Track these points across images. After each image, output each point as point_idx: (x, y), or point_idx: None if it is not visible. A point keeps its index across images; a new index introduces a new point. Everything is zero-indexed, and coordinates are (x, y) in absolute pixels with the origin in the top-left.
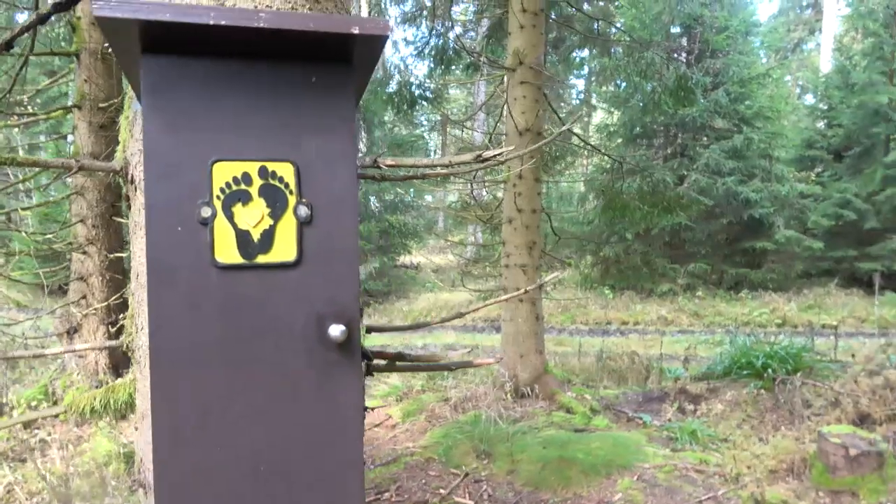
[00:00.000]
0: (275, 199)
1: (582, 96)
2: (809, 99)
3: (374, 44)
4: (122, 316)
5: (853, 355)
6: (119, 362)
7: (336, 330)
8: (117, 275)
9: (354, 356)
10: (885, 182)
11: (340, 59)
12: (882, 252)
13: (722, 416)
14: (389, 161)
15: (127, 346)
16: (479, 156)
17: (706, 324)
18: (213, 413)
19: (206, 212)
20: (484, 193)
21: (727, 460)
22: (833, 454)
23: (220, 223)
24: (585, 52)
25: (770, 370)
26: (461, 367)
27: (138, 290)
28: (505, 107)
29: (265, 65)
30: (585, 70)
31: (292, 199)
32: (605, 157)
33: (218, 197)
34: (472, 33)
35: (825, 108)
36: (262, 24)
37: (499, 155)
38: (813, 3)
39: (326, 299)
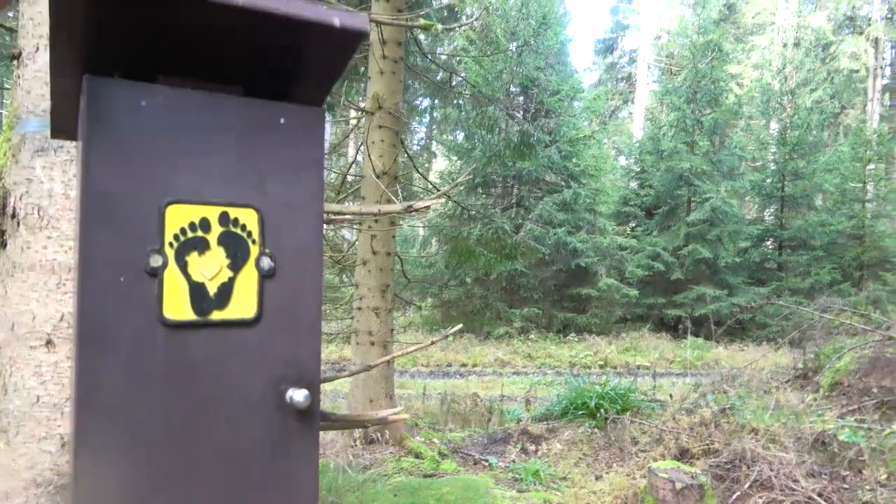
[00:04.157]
0: (235, 249)
1: (423, 142)
2: (623, 161)
3: (351, 43)
4: None
5: (671, 395)
6: None
7: (300, 395)
8: None
9: (314, 423)
10: (687, 238)
11: (312, 60)
12: (685, 300)
13: (561, 456)
14: (334, 207)
15: None
16: (410, 206)
17: (538, 365)
18: None
19: (155, 261)
20: (345, 234)
21: (568, 498)
22: (662, 488)
23: (172, 274)
24: (427, 102)
25: (602, 410)
26: (377, 424)
27: (10, 345)
28: (362, 149)
29: (233, 98)
30: (427, 118)
31: (255, 250)
32: (448, 204)
33: (171, 244)
34: None
35: (638, 169)
36: (239, 2)
37: (426, 208)
38: (627, 77)
39: (287, 360)
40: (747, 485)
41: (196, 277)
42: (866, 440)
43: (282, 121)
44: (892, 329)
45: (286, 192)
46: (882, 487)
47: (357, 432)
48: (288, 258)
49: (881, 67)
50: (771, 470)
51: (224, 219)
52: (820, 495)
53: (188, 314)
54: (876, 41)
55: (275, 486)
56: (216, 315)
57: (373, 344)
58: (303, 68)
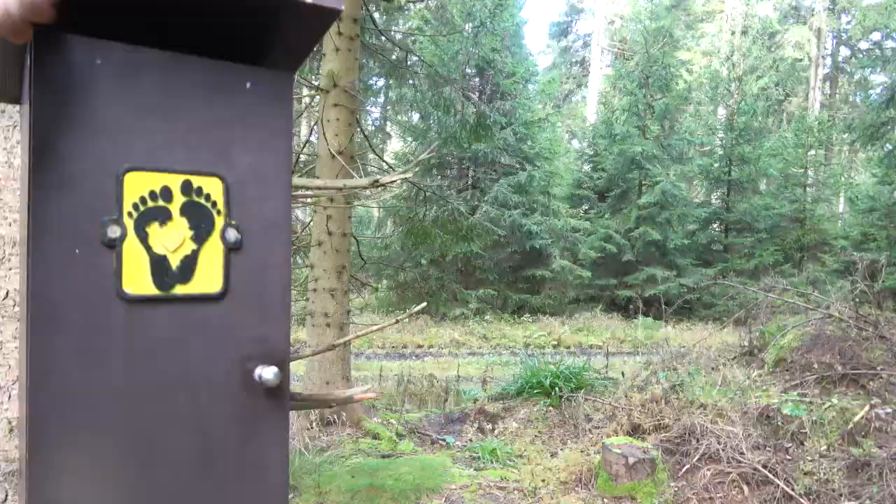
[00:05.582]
0: (199, 220)
1: (378, 123)
2: (576, 144)
3: (322, 20)
4: None
5: (623, 373)
6: None
7: (269, 372)
8: None
9: (284, 403)
10: (638, 221)
11: (278, 40)
12: (636, 281)
13: (517, 434)
14: (298, 181)
15: None
16: (376, 181)
17: (493, 346)
18: (110, 495)
19: (113, 231)
20: (298, 214)
21: (524, 475)
22: (615, 463)
23: (131, 246)
24: (381, 82)
25: (557, 388)
26: (344, 403)
27: None
28: (316, 128)
29: (196, 59)
30: (382, 98)
31: (220, 221)
32: (403, 185)
33: (129, 214)
34: None
35: (592, 153)
36: None
37: (393, 182)
38: (581, 61)
39: (254, 338)
40: (696, 458)
41: (157, 249)
42: (808, 413)
43: (248, 85)
44: (831, 308)
45: (253, 161)
46: (822, 458)
47: (313, 414)
48: (255, 230)
49: (823, 57)
50: (719, 443)
51: (187, 187)
52: (765, 466)
53: (149, 288)
54: (818, 31)
55: (242, 471)
56: (179, 289)
57: (329, 325)
58: (275, 35)
